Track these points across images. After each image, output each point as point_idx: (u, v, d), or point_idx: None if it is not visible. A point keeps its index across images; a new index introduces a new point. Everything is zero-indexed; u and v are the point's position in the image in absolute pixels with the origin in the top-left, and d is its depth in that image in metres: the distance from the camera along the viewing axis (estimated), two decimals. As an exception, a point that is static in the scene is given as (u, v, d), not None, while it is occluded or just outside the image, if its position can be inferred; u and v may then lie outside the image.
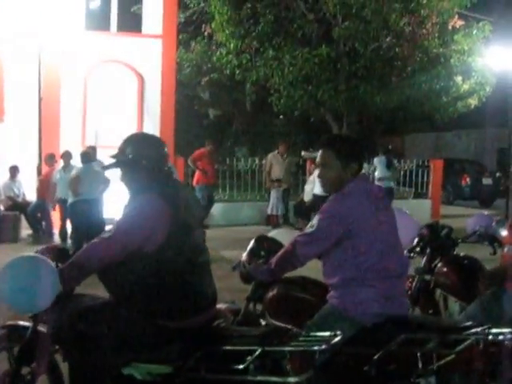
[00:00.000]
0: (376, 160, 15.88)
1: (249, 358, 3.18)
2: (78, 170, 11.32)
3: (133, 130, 15.58)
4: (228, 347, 3.29)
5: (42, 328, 3.58)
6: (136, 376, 3.34)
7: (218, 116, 31.81)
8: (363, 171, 3.75)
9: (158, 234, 3.28)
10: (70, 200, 11.11)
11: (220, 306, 3.81)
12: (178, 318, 3.38)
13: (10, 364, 3.69)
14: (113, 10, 16.52)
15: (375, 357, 3.27)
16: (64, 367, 3.61)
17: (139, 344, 3.33)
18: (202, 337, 3.35)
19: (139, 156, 3.47)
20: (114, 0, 16.50)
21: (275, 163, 15.21)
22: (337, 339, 3.10)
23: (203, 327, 3.41)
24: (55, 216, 12.92)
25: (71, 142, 14.41)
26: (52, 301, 3.20)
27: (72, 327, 3.33)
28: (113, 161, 3.59)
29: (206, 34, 22.10)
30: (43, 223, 13.14)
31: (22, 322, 3.70)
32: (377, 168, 15.77)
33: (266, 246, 4.20)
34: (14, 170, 13.74)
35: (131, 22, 16.61)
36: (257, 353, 3.17)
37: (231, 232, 14.01)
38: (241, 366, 3.20)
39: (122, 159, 3.53)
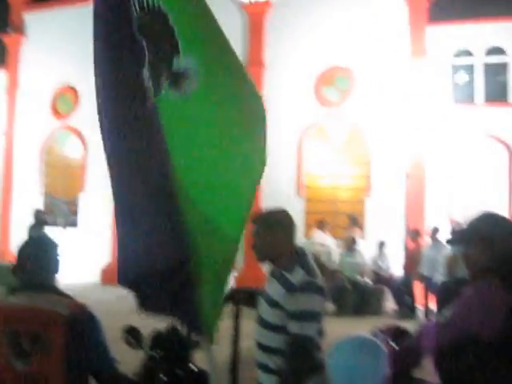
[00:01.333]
0: None
1: None
2: (453, 250, 10.79)
3: (503, 204, 14.84)
4: None
5: None
6: None
7: None
8: None
9: (494, 321, 2.90)
10: (441, 278, 10.73)
11: None
12: None
13: None
14: (478, 80, 16.17)
15: None
16: None
17: None
18: None
19: (487, 237, 3.11)
20: (480, 70, 16.17)
21: None
22: None
23: None
24: (419, 292, 12.77)
25: (437, 218, 14.25)
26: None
27: None
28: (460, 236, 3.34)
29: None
30: (407, 298, 13.07)
31: None
32: None
33: None
34: (381, 245, 14.12)
35: (496, 91, 16.04)
36: None
37: None
38: None
39: (470, 237, 3.20)
